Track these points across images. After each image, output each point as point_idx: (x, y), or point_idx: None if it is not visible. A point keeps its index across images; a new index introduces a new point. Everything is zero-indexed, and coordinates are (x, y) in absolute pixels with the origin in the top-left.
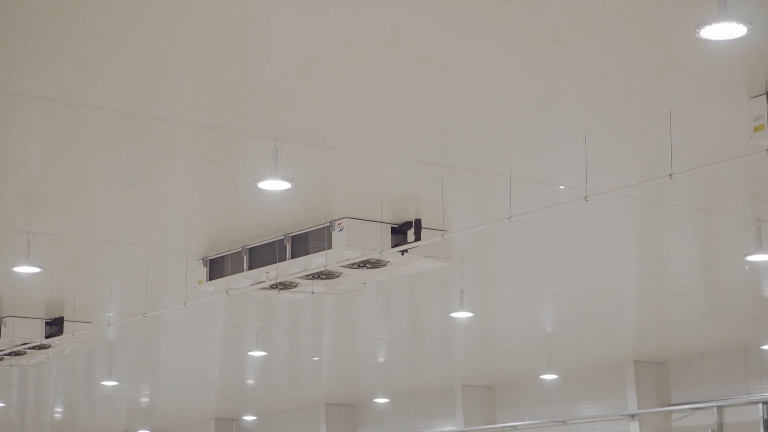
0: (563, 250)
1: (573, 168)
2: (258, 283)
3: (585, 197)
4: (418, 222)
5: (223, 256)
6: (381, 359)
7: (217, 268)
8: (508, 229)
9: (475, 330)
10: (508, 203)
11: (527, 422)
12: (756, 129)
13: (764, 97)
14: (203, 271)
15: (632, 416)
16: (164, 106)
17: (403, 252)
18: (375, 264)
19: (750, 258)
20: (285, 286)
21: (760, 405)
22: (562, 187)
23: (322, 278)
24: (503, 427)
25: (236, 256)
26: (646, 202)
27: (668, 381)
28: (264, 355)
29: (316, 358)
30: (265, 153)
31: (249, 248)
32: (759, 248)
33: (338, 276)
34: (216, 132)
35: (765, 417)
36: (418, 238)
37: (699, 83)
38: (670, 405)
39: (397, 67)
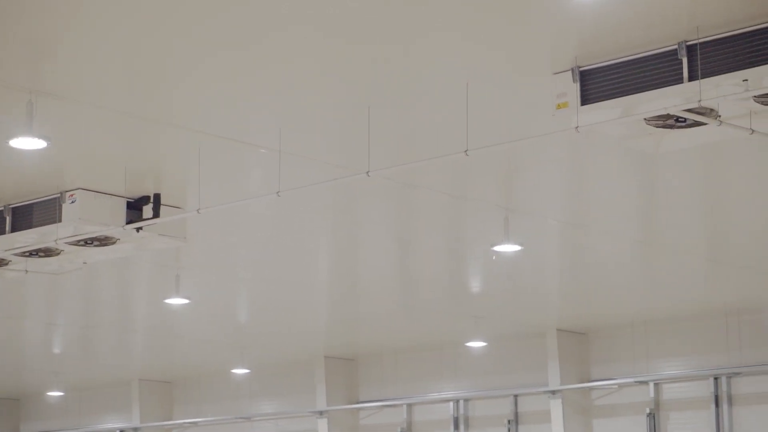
0: (261, 241)
1: (353, 144)
2: None
3: (367, 173)
4: (157, 197)
5: None
6: (56, 350)
7: None
8: (207, 216)
9: (158, 320)
10: (276, 178)
11: (209, 419)
12: (559, 106)
13: (569, 73)
14: None
15: (320, 413)
16: None
17: (138, 229)
18: (103, 241)
19: (497, 248)
20: None
21: (451, 403)
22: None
23: (40, 256)
24: (182, 423)
25: None
26: (346, 188)
27: (358, 378)
28: None
29: None
30: None
31: None
32: (507, 238)
33: (58, 254)
34: None
35: (455, 415)
36: (156, 214)
37: (499, 55)
38: (358, 402)
39: (162, 25)
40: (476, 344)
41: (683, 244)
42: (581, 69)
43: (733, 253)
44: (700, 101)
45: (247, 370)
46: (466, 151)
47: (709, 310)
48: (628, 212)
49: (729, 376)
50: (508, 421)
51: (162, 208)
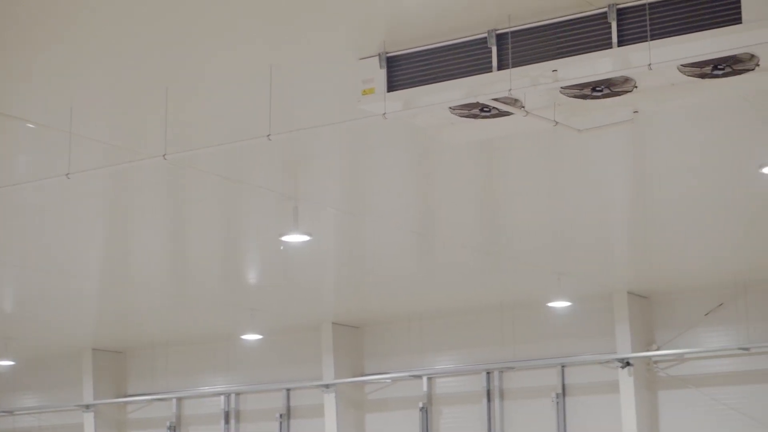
0: (31, 227)
1: (150, 126)
2: None
3: (163, 156)
4: None
5: None
6: None
7: None
8: None
9: None
10: (66, 160)
11: None
12: (364, 92)
13: (376, 58)
14: None
15: (87, 407)
16: None
17: None
18: None
19: (286, 238)
20: None
21: (222, 397)
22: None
23: None
24: None
25: None
26: (123, 174)
27: (126, 371)
28: None
29: None
30: None
31: None
32: (296, 228)
33: None
34: None
35: (226, 409)
36: None
37: (304, 39)
38: (127, 396)
39: None
40: (251, 337)
41: (461, 238)
42: (389, 55)
43: (510, 248)
44: (510, 90)
45: (11, 362)
46: (268, 135)
47: (485, 304)
48: (407, 204)
49: (501, 371)
50: (280, 415)
51: None
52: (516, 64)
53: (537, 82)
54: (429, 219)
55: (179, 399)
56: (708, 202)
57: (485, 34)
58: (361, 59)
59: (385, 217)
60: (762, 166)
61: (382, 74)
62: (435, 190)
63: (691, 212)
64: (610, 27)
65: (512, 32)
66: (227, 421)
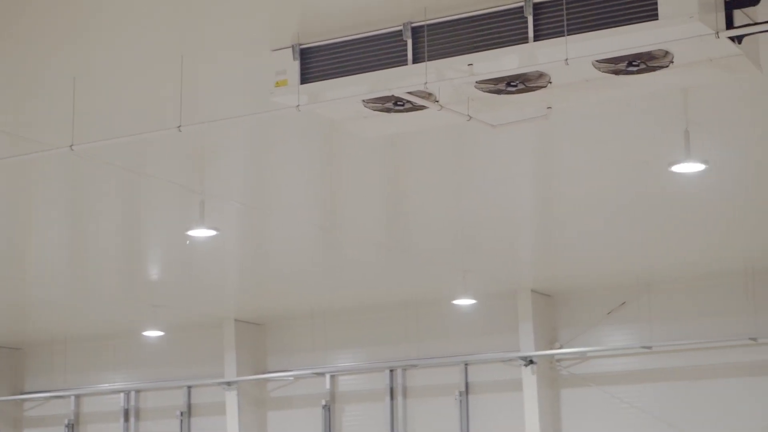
0: None
1: (57, 116)
2: None
3: (71, 146)
4: None
5: None
6: None
7: None
8: None
9: None
10: None
11: None
12: (277, 84)
13: (290, 50)
14: None
15: None
16: None
17: None
18: None
19: (192, 233)
20: None
21: (122, 394)
22: None
23: None
24: None
25: None
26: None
27: (24, 367)
28: None
29: None
30: None
31: None
32: (201, 223)
33: None
34: None
35: (126, 407)
36: None
37: (216, 29)
38: (23, 393)
39: None
40: (153, 333)
41: (366, 234)
42: (302, 47)
43: (415, 245)
44: (426, 83)
45: None
46: (179, 126)
47: (389, 301)
48: (313, 199)
49: (405, 369)
50: (181, 413)
51: None
52: (431, 58)
53: (452, 76)
54: (335, 214)
55: (78, 396)
56: (615, 201)
57: (400, 27)
58: (274, 51)
59: (291, 211)
60: (672, 164)
61: (295, 66)
62: (341, 185)
63: (597, 211)
64: (526, 21)
65: (428, 25)
66: (126, 419)
